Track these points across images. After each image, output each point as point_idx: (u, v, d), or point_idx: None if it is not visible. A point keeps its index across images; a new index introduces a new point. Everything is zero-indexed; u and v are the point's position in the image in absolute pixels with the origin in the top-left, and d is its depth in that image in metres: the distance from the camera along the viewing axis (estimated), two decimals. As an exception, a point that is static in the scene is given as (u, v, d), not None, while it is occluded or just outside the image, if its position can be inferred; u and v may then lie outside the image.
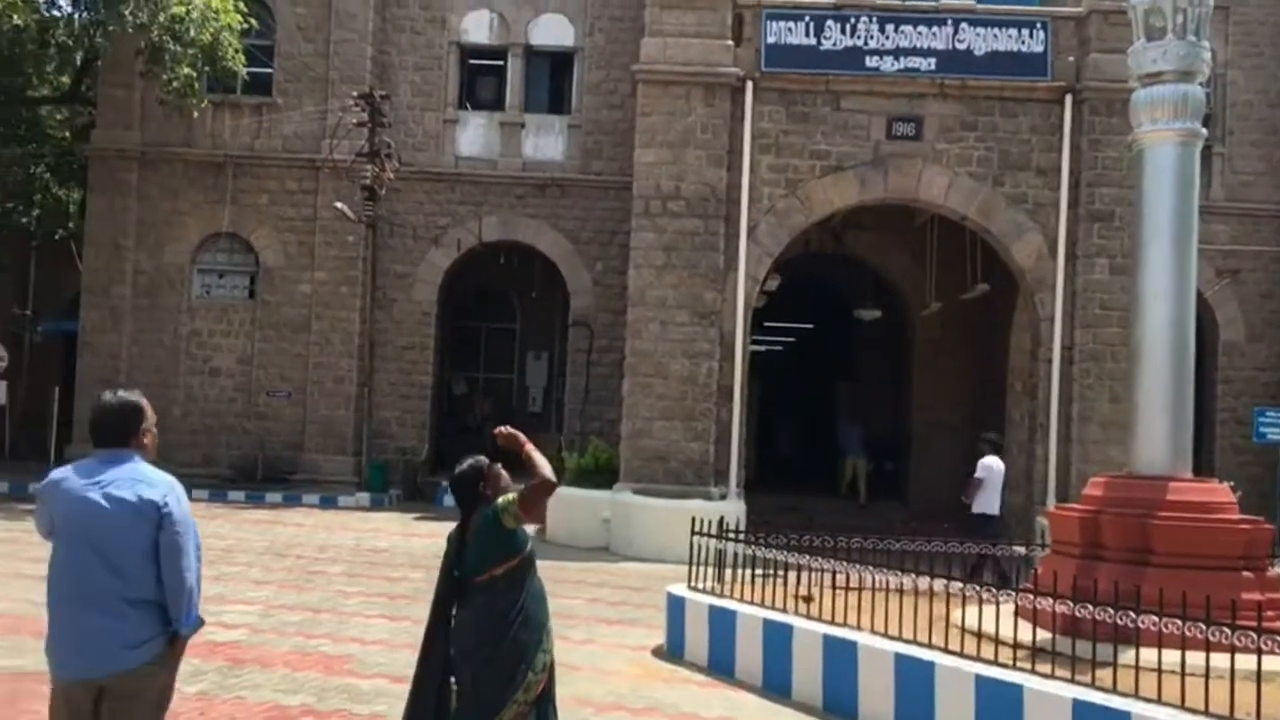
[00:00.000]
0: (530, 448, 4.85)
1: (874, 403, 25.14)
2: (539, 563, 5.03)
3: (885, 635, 7.59)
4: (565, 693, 7.82)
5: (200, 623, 4.35)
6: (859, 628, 7.84)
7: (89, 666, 4.10)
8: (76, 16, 21.97)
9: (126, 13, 19.32)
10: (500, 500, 4.79)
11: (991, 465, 13.04)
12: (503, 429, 4.97)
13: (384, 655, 8.68)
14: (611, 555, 15.63)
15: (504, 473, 4.96)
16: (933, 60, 16.99)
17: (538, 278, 24.54)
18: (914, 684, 7.08)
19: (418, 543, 15.63)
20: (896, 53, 16.98)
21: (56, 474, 4.36)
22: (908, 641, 7.39)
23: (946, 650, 7.12)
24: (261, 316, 23.10)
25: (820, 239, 20.93)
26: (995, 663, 6.83)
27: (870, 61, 17.00)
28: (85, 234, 23.34)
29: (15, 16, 18.86)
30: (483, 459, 4.99)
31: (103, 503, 4.16)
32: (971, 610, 7.87)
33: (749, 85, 16.84)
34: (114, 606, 4.09)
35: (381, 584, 12.40)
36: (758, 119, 16.90)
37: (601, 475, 16.88)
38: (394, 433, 23.22)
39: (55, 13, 23.64)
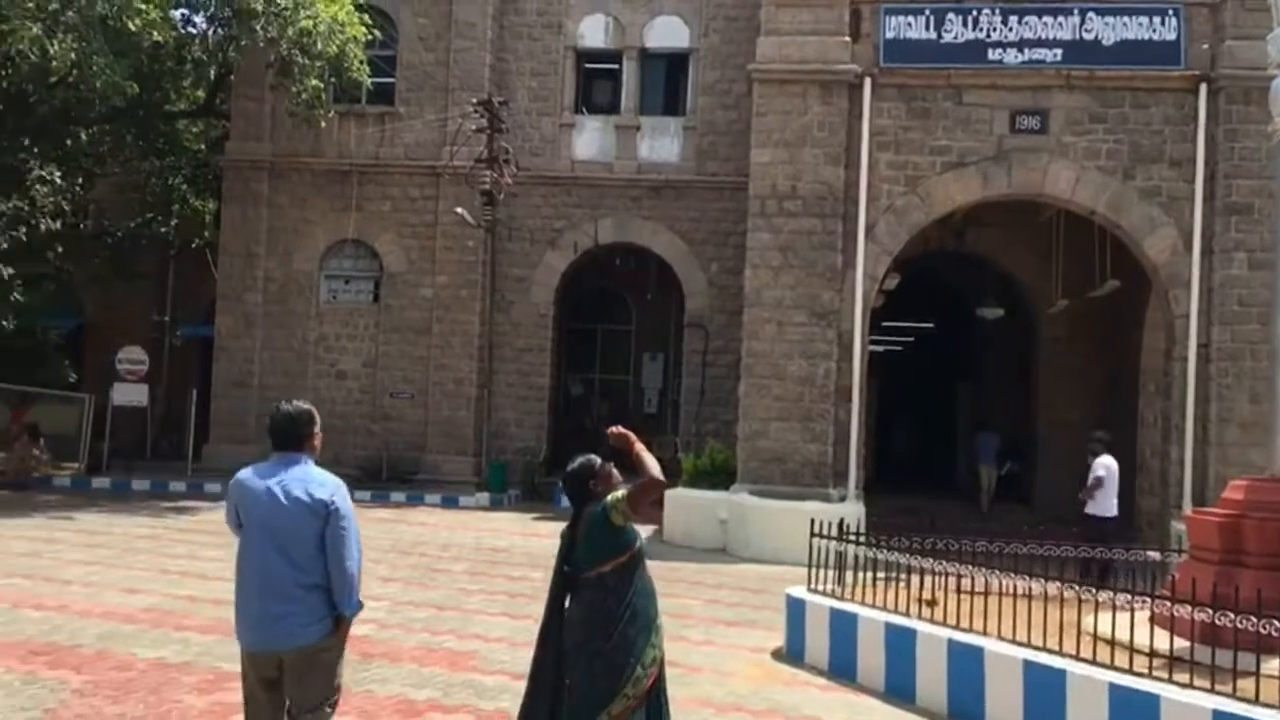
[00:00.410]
0: (640, 447, 4.95)
1: (997, 404, 24.55)
2: (654, 562, 5.07)
3: (1013, 641, 7.41)
4: (685, 693, 7.86)
5: (360, 606, 4.89)
6: (985, 633, 7.66)
7: (272, 641, 4.77)
8: (211, 33, 22.86)
9: (258, 28, 20.06)
10: (609, 498, 4.87)
11: (1110, 465, 12.71)
12: (615, 428, 5.09)
13: (507, 652, 8.81)
14: (729, 556, 15.59)
15: (615, 471, 5.04)
16: (1059, 51, 16.52)
17: (653, 279, 24.66)
18: (1044, 692, 6.89)
19: (536, 542, 15.83)
20: (1020, 44, 16.55)
21: (241, 474, 4.96)
22: (1036, 648, 7.19)
23: (1078, 657, 6.92)
24: (385, 320, 23.71)
25: (941, 236, 20.55)
26: (1130, 671, 6.61)
27: (993, 54, 16.62)
28: (220, 243, 24.31)
29: (155, 34, 19.74)
30: (594, 457, 5.10)
31: (282, 500, 4.76)
32: (1104, 616, 7.62)
33: (867, 82, 16.62)
34: (291, 592, 4.73)
35: (503, 582, 12.60)
36: (876, 115, 16.67)
37: (718, 476, 16.85)
38: (512, 433, 23.58)
39: (191, 30, 24.65)
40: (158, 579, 11.75)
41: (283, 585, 4.71)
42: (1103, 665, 6.75)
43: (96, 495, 20.65)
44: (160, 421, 26.10)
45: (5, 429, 22.92)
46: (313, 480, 4.83)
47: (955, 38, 16.65)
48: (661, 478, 4.85)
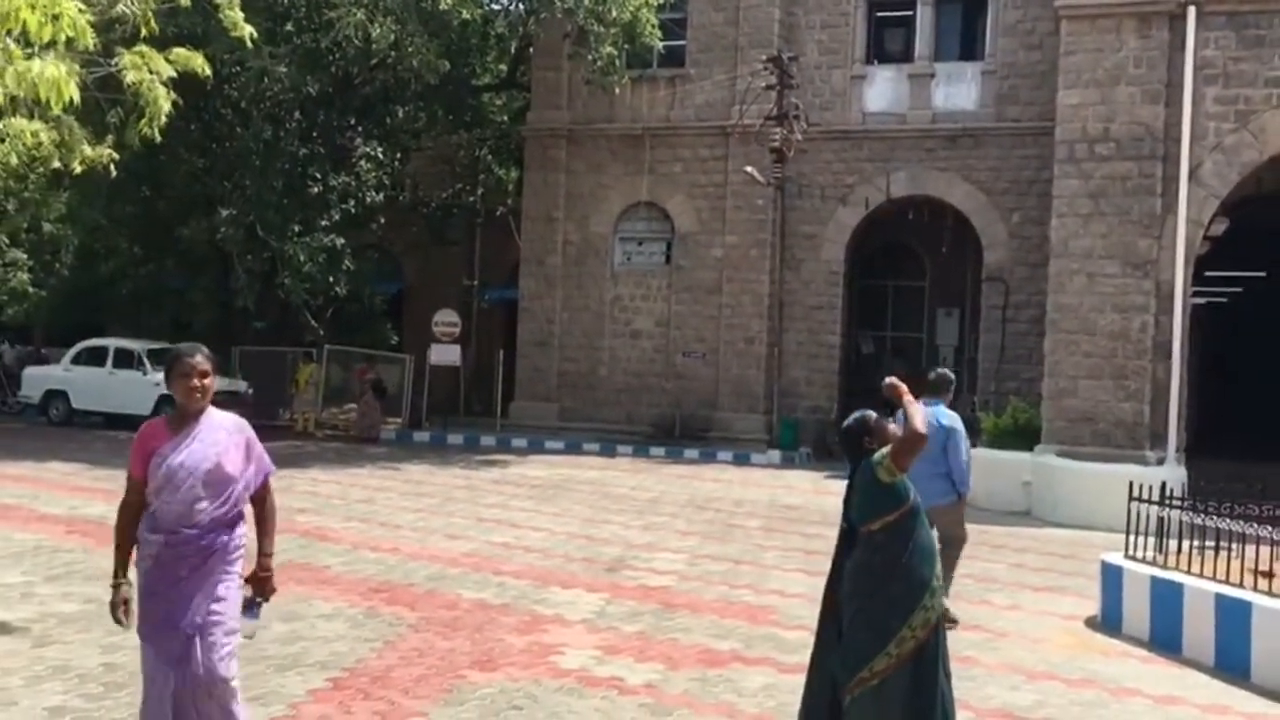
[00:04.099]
0: (908, 399, 4.87)
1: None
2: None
3: (1369, 621, 6.70)
4: (993, 658, 7.63)
5: (970, 489, 8.67)
6: (1335, 611, 6.97)
7: (925, 502, 6.25)
8: (513, 7, 23.89)
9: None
10: (876, 455, 4.84)
11: None
12: (889, 380, 5.07)
13: (805, 609, 8.80)
14: (1033, 520, 14.93)
15: (890, 426, 5.00)
16: None
17: (948, 232, 23.78)
18: None
19: (830, 501, 15.70)
20: (1376, -44, 14.70)
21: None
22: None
23: None
24: (677, 280, 24.16)
25: (1276, 177, 18.64)
26: None
27: (1342, -30, 14.86)
28: (522, 209, 25.50)
29: (464, 12, 20.82)
30: (869, 413, 5.10)
31: (933, 423, 7.55)
32: None
33: (1190, 11, 15.25)
34: (934, 476, 8.07)
35: (797, 539, 12.62)
36: (1201, 47, 15.29)
37: (1021, 437, 16.15)
38: (803, 392, 23.51)
39: (495, 6, 25.86)
40: (475, 526, 12.56)
41: (929, 471, 7.68)
42: None
43: (418, 448, 22.30)
44: (470, 379, 27.80)
45: (349, 386, 25.03)
46: (942, 413, 8.38)
47: (1297, -46, 14.98)
48: (923, 430, 4.76)
